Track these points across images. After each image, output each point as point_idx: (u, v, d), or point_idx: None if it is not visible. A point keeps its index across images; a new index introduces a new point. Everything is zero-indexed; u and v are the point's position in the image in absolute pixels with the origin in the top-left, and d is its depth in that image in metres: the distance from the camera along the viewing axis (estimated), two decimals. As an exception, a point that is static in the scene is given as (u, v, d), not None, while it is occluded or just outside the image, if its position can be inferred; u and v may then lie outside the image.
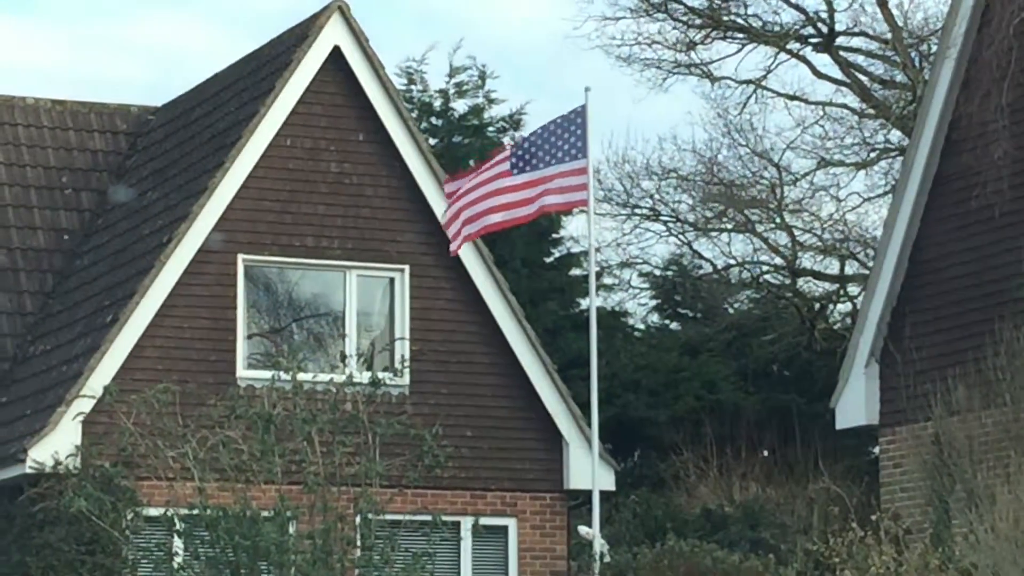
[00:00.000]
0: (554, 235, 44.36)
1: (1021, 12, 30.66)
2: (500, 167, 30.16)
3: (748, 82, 49.72)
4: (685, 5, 48.51)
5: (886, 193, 43.94)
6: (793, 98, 49.95)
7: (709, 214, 49.78)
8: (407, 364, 31.99)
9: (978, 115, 31.62)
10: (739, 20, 48.66)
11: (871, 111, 48.67)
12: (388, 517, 26.04)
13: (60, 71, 78.83)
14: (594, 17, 49.65)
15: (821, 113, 49.82)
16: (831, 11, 48.26)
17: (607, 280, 47.49)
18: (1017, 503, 25.13)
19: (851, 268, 47.73)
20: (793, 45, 48.87)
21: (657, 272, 49.48)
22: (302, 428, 25.68)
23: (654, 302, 49.16)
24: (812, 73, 49.42)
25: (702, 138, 59.88)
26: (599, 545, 30.33)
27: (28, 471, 30.40)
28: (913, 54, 46.91)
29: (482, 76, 46.80)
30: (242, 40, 77.16)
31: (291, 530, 25.24)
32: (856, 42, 49.12)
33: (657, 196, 49.78)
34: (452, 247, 31.49)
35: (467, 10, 79.12)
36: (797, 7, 48.47)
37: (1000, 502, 25.54)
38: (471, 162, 41.65)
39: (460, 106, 46.11)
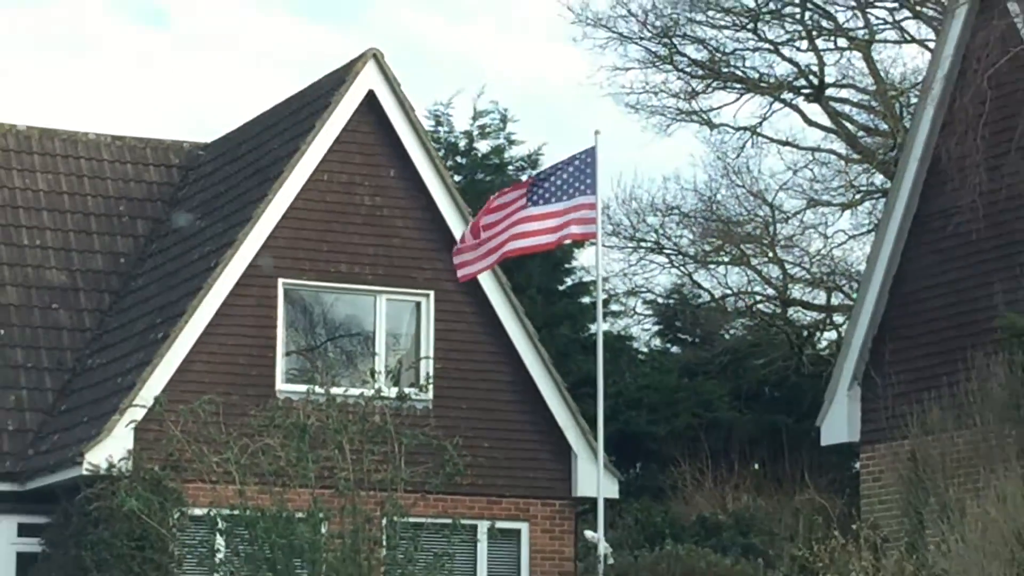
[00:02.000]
0: (566, 265, 44.46)
1: (995, 63, 30.89)
2: (517, 203, 30.32)
3: (745, 129, 49.76)
4: (688, 58, 48.72)
5: (870, 231, 44.01)
6: (785, 144, 49.99)
7: (708, 248, 49.90)
8: (431, 381, 32.07)
9: (955, 158, 31.83)
10: (737, 72, 48.76)
11: (856, 156, 48.76)
12: (411, 520, 26.08)
13: (121, 108, 78.81)
14: (605, 67, 49.87)
15: (811, 158, 49.81)
16: (821, 65, 48.35)
17: (614, 307, 47.66)
18: (985, 515, 25.31)
19: (837, 299, 47.75)
20: (786, 95, 48.90)
21: (660, 300, 49.50)
22: (334, 437, 25.73)
23: (656, 327, 49.22)
24: (803, 121, 49.40)
25: (702, 179, 60.02)
26: (603, 548, 30.49)
27: (84, 473, 30.44)
28: (895, 104, 47.05)
29: (503, 119, 46.84)
30: (285, 83, 76.83)
31: (323, 530, 25.23)
32: (844, 93, 49.22)
33: (661, 231, 49.92)
34: (460, 274, 31.73)
35: (490, 59, 79.13)
36: (790, 61, 48.59)
37: (970, 514, 25.73)
38: (491, 194, 41.92)
39: (483, 146, 46.17)
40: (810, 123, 49.20)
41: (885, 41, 48.30)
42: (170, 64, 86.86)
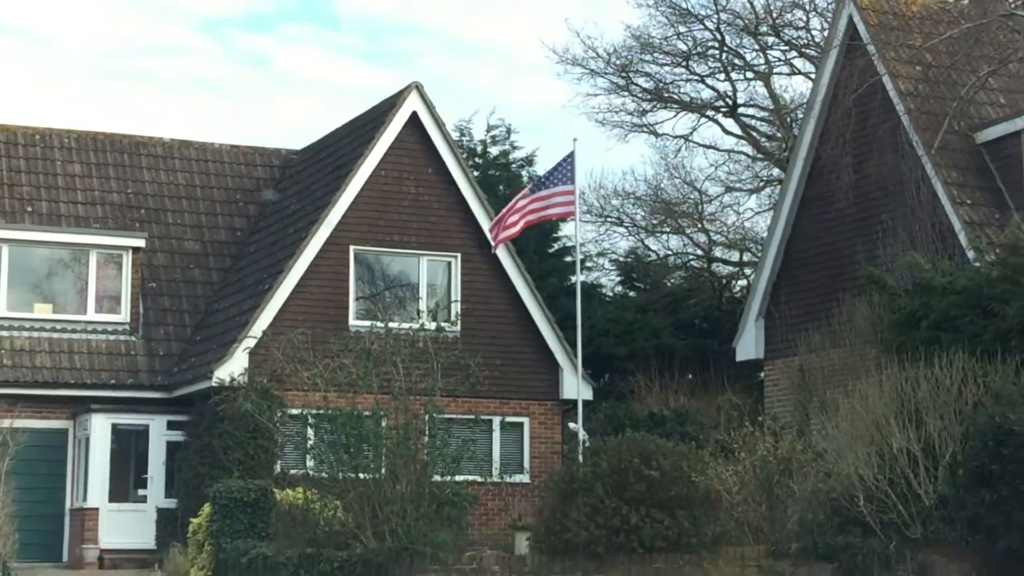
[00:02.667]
0: (554, 234, 44.40)
1: (857, 89, 30.83)
2: (524, 197, 30.59)
3: (680, 137, 49.63)
4: (640, 86, 48.62)
5: (769, 209, 43.87)
6: (709, 147, 49.76)
7: (654, 222, 49.82)
8: (459, 318, 32.14)
9: (830, 158, 31.81)
10: (675, 96, 48.65)
11: (760, 156, 48.66)
12: (445, 416, 25.97)
13: (237, 124, 79.21)
14: (580, 94, 50.24)
15: (727, 157, 49.55)
16: (734, 91, 48.17)
17: (588, 264, 47.59)
18: (852, 410, 25.30)
19: (746, 257, 47.67)
20: (710, 113, 48.76)
21: (620, 259, 49.47)
22: (390, 358, 25.62)
23: (618, 278, 49.09)
24: (722, 131, 49.24)
25: (650, 172, 60.52)
26: (582, 435, 30.51)
27: (213, 384, 30.72)
28: (787, 119, 47.01)
29: (508, 131, 46.72)
30: (353, 105, 76.98)
31: (383, 424, 25.07)
32: (751, 111, 49.09)
33: (621, 209, 49.84)
34: (493, 246, 32.06)
35: (499, 89, 79.32)
36: (712, 88, 48.37)
37: (841, 409, 25.73)
38: (501, 187, 41.88)
39: (493, 151, 46.08)
40: (727, 132, 49.15)
41: (780, 73, 48.26)
42: (271, 93, 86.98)
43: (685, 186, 50.17)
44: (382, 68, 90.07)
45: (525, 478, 32.54)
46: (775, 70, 48.06)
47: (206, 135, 44.51)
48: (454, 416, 27.17)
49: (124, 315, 33.98)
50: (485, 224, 32.83)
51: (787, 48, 47.21)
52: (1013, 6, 29.07)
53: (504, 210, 31.01)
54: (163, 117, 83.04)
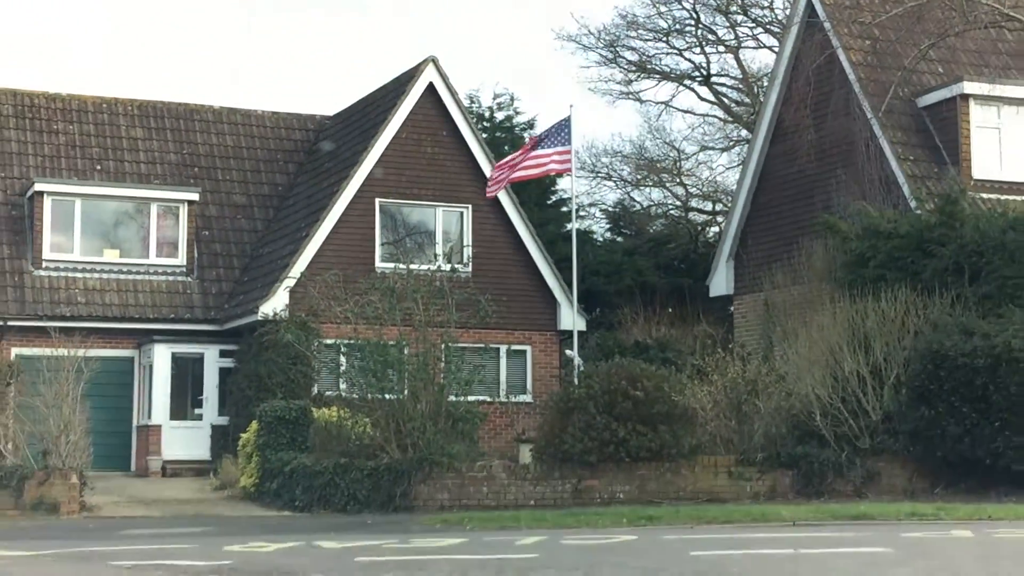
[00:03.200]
0: (552, 188, 44.22)
1: (815, 61, 30.81)
2: (525, 151, 30.65)
3: (661, 103, 49.75)
4: (626, 59, 48.59)
5: (739, 165, 43.87)
6: (686, 112, 49.98)
7: (639, 177, 50.02)
8: (470, 260, 32.38)
9: (791, 121, 31.82)
10: (657, 68, 48.67)
11: (731, 119, 48.78)
12: (459, 345, 26.04)
13: (279, 93, 78.74)
14: (576, 65, 50.04)
15: (702, 120, 49.83)
16: (708, 63, 48.10)
17: (581, 213, 47.59)
18: (810, 338, 25.50)
19: (719, 207, 47.79)
20: (687, 82, 48.81)
21: (610, 209, 49.51)
22: (411, 295, 25.64)
23: (608, 226, 49.09)
24: (697, 98, 49.40)
25: (636, 134, 60.30)
26: (577, 361, 30.77)
27: (259, 318, 30.69)
28: (754, 87, 46.95)
29: (511, 99, 46.57)
30: (379, 78, 76.53)
31: (405, 352, 25.19)
32: (723, 80, 49.08)
33: (610, 166, 50.07)
34: (488, 192, 32.12)
35: (506, 60, 78.86)
36: (689, 60, 48.35)
37: (800, 337, 25.93)
38: (506, 147, 41.78)
39: (499, 116, 46.00)
40: (702, 99, 49.16)
41: (748, 47, 48.19)
42: (313, 67, 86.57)
43: (665, 146, 50.37)
44: (413, 42, 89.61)
45: (528, 398, 32.65)
46: (743, 44, 48.05)
47: (253, 101, 44.64)
48: (466, 345, 27.15)
49: (181, 259, 34.04)
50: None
51: (754, 25, 47.13)
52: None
53: (504, 161, 31.28)
54: (211, 82, 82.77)
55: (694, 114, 49.81)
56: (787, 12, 37.79)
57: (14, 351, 30.80)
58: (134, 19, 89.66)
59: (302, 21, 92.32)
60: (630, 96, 49.97)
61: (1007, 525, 17.46)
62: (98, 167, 35.44)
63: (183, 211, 34.30)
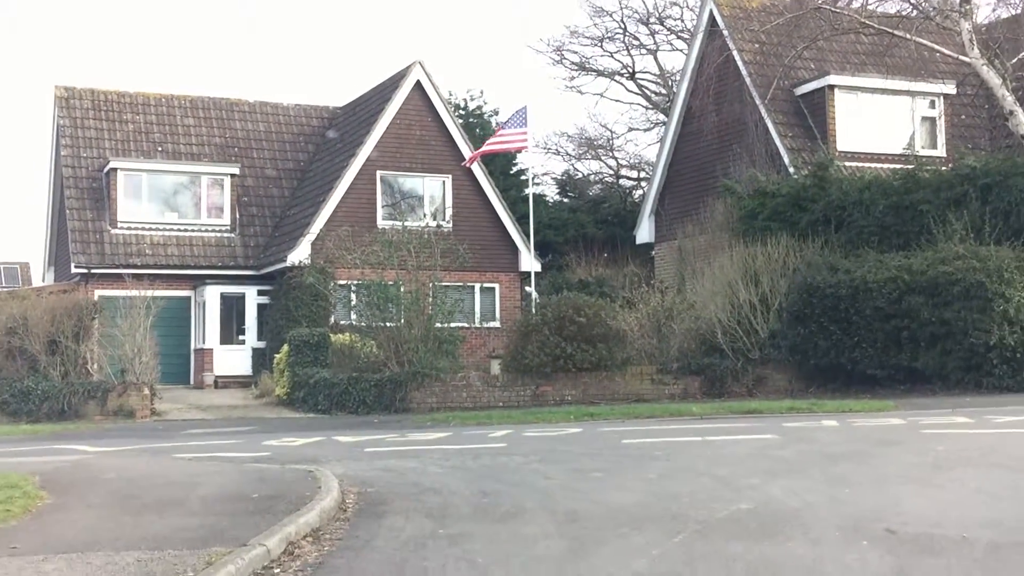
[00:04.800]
0: (514, 161, 43.95)
1: (717, 59, 30.76)
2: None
3: (597, 94, 50.70)
4: (569, 60, 48.28)
5: (656, 142, 43.70)
6: (616, 101, 50.53)
7: (581, 152, 49.91)
8: (450, 218, 32.31)
9: (699, 107, 31.80)
10: (593, 67, 48.45)
11: (651, 106, 48.67)
12: (443, 284, 26.13)
13: (300, 89, 77.92)
14: (533, 66, 49.60)
15: (629, 107, 50.23)
16: (633, 63, 47.95)
17: (536, 181, 47.35)
18: (713, 275, 25.62)
19: (642, 175, 47.78)
20: (617, 78, 48.65)
21: (558, 177, 49.44)
22: (405, 245, 25.70)
23: (557, 191, 48.98)
24: (625, 90, 49.25)
25: (578, 119, 59.76)
26: (534, 295, 30.88)
27: (287, 265, 30.54)
28: (669, 81, 46.83)
29: (481, 92, 46.97)
30: (375, 78, 75.93)
31: (401, 289, 25.20)
32: (645, 76, 48.92)
33: (558, 144, 49.95)
34: (465, 163, 32.04)
35: (476, 62, 78.25)
36: (619, 61, 48.18)
37: (706, 275, 26.07)
38: (477, 130, 41.54)
39: (471, 105, 45.86)
40: (628, 91, 49.01)
41: (664, 50, 48.40)
42: (325, 69, 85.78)
43: (601, 127, 50.62)
44: (405, 49, 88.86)
45: (497, 324, 32.66)
46: (660, 48, 47.97)
47: (281, 95, 44.19)
48: (448, 284, 27.30)
49: (226, 220, 33.85)
50: (467, 154, 32.62)
51: (669, 33, 46.93)
52: (821, 2, 28.97)
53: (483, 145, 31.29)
54: (247, 75, 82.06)
55: (622, 103, 50.40)
56: (694, 22, 37.63)
57: (97, 293, 30.65)
58: (180, 31, 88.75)
59: (312, 23, 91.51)
60: (573, 89, 50.03)
61: (863, 416, 17.68)
62: (159, 149, 35.14)
63: (227, 182, 34.10)
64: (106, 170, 33.14)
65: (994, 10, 30.35)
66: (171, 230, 33.13)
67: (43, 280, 39.25)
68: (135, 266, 31.25)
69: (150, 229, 32.88)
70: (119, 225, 32.55)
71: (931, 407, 18.43)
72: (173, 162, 34.35)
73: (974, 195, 23.50)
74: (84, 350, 26.27)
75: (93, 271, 31.47)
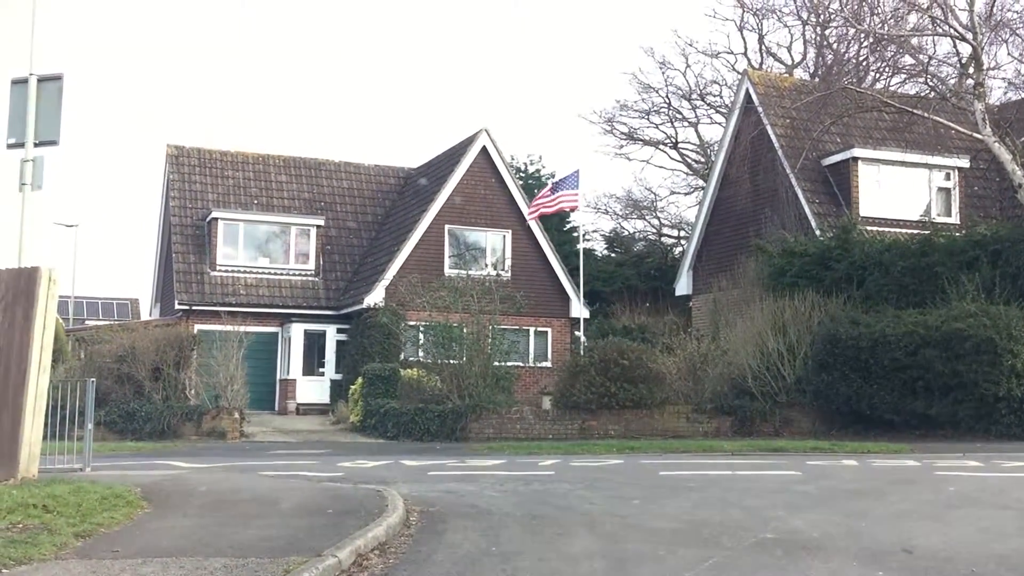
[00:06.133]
0: (567, 219, 44.10)
1: (752, 132, 30.68)
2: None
3: (644, 161, 50.02)
4: (618, 131, 48.31)
5: (696, 205, 43.68)
6: (660, 167, 50.05)
7: (628, 211, 49.79)
8: (509, 268, 32.33)
9: (735, 174, 31.70)
10: (640, 137, 48.43)
11: (691, 172, 48.51)
12: (501, 327, 26.12)
13: (381, 153, 78.76)
14: (586, 135, 49.66)
15: (671, 173, 49.98)
16: (676, 134, 47.89)
17: (587, 237, 47.41)
18: (744, 326, 25.37)
19: (683, 234, 47.56)
20: (661, 147, 48.60)
21: (607, 234, 49.29)
22: (469, 291, 25.75)
23: (605, 247, 48.91)
24: (668, 158, 49.18)
25: (625, 182, 59.72)
26: (582, 339, 30.74)
27: (364, 307, 30.74)
28: (707, 151, 46.68)
29: (540, 157, 47.04)
30: (447, 140, 76.62)
31: (464, 331, 25.17)
32: (688, 145, 48.86)
33: (607, 204, 49.91)
34: (528, 217, 32.05)
35: (533, 133, 78.71)
36: (663, 132, 48.12)
37: (738, 325, 25.83)
38: (535, 190, 41.60)
39: (531, 168, 46.12)
40: (672, 159, 48.94)
41: (704, 123, 48.37)
42: (402, 132, 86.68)
43: (646, 190, 50.46)
44: (470, 119, 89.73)
45: (548, 364, 32.59)
46: (701, 121, 48.05)
47: (361, 157, 44.79)
48: (506, 327, 27.27)
49: (311, 265, 34.17)
50: (526, 212, 32.72)
51: (709, 108, 46.89)
52: (847, 81, 28.78)
53: (536, 198, 31.26)
54: (334, 138, 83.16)
55: (666, 169, 50.32)
56: (732, 99, 37.62)
57: (196, 327, 31.04)
58: (278, 97, 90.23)
59: (393, 92, 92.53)
60: (621, 156, 50.06)
61: (880, 457, 17.36)
62: (255, 201, 35.63)
63: (313, 232, 34.46)
64: (208, 219, 33.65)
65: (1005, 92, 29.93)
66: (263, 273, 33.49)
67: (150, 315, 39.84)
68: (230, 304, 31.62)
69: (244, 272, 33.27)
70: (218, 268, 32.98)
71: (944, 451, 18.04)
72: (266, 214, 34.80)
73: (985, 259, 23.17)
74: (183, 377, 26.57)
75: (194, 308, 31.87)
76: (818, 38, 41.13)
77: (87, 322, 49.93)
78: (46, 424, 12.52)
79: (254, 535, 9.00)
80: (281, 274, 33.68)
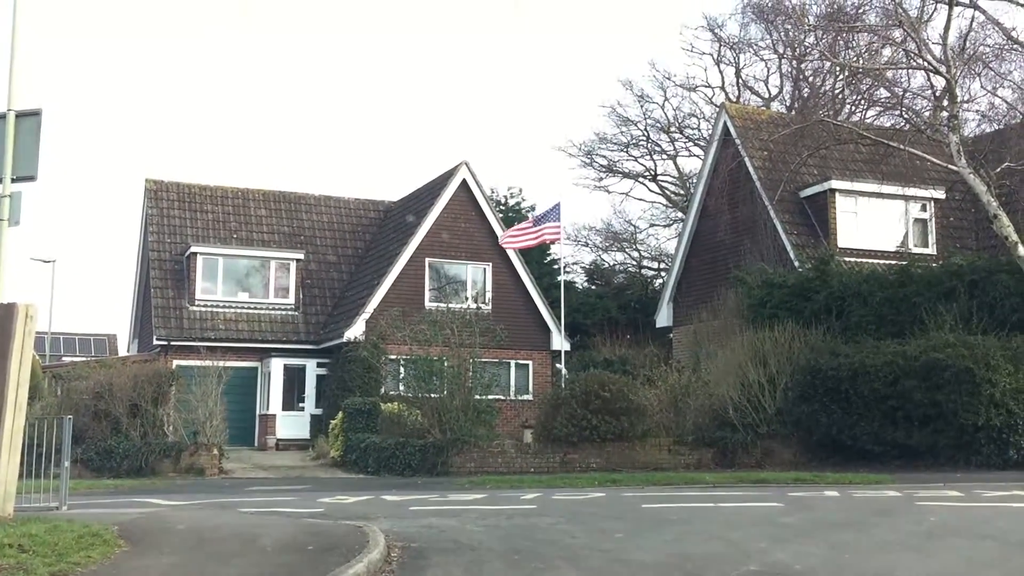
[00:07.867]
0: (547, 252, 44.25)
1: (730, 164, 30.88)
2: (527, 224, 30.62)
3: (623, 193, 50.44)
4: (598, 163, 48.72)
5: (675, 237, 43.99)
6: (640, 199, 50.29)
7: (608, 244, 49.99)
8: (490, 301, 32.33)
9: (713, 206, 31.88)
10: (619, 169, 48.80)
11: (670, 205, 48.81)
12: (482, 360, 25.97)
13: (361, 188, 78.87)
14: (566, 167, 49.91)
15: (651, 205, 50.06)
16: (655, 166, 48.40)
17: (567, 269, 47.54)
18: (725, 357, 25.37)
19: (662, 265, 47.78)
20: (640, 179, 48.94)
21: (587, 266, 49.49)
22: (449, 324, 25.65)
23: (585, 278, 49.07)
24: (648, 190, 49.56)
25: (605, 215, 59.94)
26: (563, 371, 30.77)
27: (344, 340, 30.72)
28: (687, 183, 46.98)
29: (520, 189, 47.26)
30: (427, 174, 76.90)
31: (445, 364, 25.09)
32: (666, 177, 49.20)
33: (587, 236, 50.08)
34: (502, 244, 31.97)
35: (514, 164, 79.13)
36: (642, 164, 48.57)
37: (718, 356, 25.84)
38: (515, 223, 41.75)
39: (511, 201, 46.30)
40: (650, 191, 49.38)
41: (683, 156, 48.36)
42: (382, 166, 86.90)
43: (625, 223, 50.47)
44: (449, 153, 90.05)
45: (529, 397, 32.61)
46: (680, 154, 48.24)
47: (343, 190, 44.79)
48: (487, 360, 27.11)
49: (291, 299, 34.14)
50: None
51: (687, 140, 47.34)
52: (824, 114, 29.06)
53: (513, 228, 31.29)
54: (314, 172, 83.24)
55: (645, 201, 50.32)
56: (710, 132, 37.93)
57: (175, 362, 30.87)
58: (255, 131, 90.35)
59: (372, 126, 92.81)
60: (601, 188, 50.26)
61: (861, 488, 17.36)
62: (234, 236, 35.59)
63: (292, 267, 34.43)
64: (187, 254, 33.55)
65: (979, 124, 30.29)
66: (242, 308, 33.40)
67: (128, 350, 39.63)
68: (209, 339, 31.49)
69: (223, 307, 33.17)
70: (196, 302, 32.86)
71: (924, 481, 18.07)
72: (246, 248, 34.74)
73: (962, 290, 23.33)
74: (162, 413, 26.35)
75: (172, 343, 31.71)
76: (794, 72, 41.62)
77: (64, 358, 49.60)
78: (22, 462, 12.38)
79: (234, 573, 8.91)
80: (261, 308, 33.59)
